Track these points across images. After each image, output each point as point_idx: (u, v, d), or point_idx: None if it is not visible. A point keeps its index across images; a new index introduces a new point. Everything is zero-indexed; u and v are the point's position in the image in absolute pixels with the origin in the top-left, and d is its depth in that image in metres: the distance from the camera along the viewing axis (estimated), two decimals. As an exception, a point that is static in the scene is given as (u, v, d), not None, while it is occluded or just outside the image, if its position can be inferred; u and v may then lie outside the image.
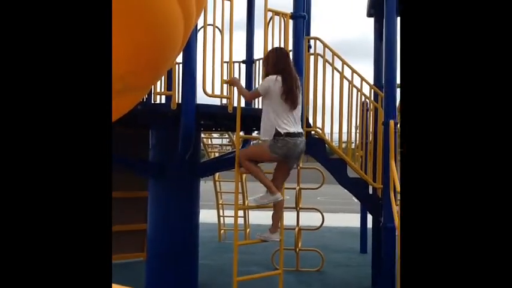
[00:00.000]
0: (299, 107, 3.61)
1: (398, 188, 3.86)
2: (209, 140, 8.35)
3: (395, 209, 3.98)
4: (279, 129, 3.47)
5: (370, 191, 4.87)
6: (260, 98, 3.80)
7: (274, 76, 3.52)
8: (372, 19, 5.76)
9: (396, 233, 3.98)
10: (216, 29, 4.08)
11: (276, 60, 3.59)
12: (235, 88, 3.73)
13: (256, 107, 4.93)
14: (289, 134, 3.48)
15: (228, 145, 8.70)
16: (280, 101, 3.49)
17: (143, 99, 3.79)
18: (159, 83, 4.20)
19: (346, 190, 4.82)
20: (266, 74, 3.67)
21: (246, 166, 3.59)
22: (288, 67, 3.60)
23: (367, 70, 4.80)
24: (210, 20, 3.97)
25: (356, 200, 5.50)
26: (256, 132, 5.47)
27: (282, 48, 3.85)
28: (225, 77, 4.17)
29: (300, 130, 3.61)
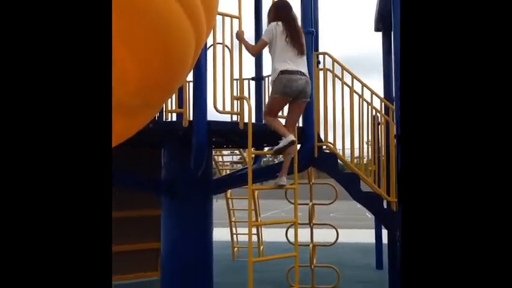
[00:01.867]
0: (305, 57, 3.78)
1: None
2: (220, 157, 8.37)
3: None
4: (278, 69, 3.64)
5: (385, 205, 4.83)
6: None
7: (275, 22, 3.70)
8: (379, 33, 5.78)
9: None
10: (226, 48, 4.12)
11: (277, 10, 3.76)
12: (243, 45, 3.88)
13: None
14: (284, 72, 3.63)
15: (239, 162, 8.70)
16: (286, 45, 3.65)
17: (155, 117, 3.81)
18: (170, 100, 4.23)
19: (359, 206, 4.78)
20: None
21: (268, 122, 3.84)
22: (289, 16, 3.76)
23: (376, 85, 4.83)
24: (219, 38, 4.01)
25: (370, 215, 5.45)
26: (267, 148, 5.48)
27: (284, 0, 3.92)
28: (235, 94, 4.20)
29: (302, 70, 3.72)
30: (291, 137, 3.72)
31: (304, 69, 3.78)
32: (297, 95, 3.76)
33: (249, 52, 3.95)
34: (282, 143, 3.78)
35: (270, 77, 4.48)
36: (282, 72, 3.66)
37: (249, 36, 5.39)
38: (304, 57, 3.81)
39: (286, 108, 4.01)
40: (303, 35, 3.81)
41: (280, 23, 3.70)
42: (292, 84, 3.68)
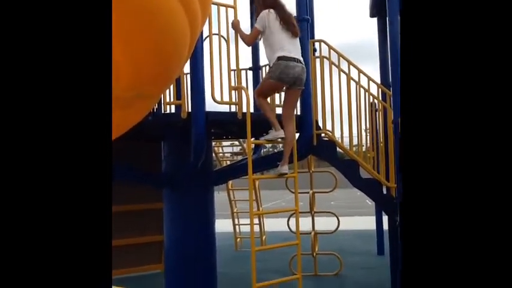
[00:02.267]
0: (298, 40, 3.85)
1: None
2: (220, 148, 8.38)
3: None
4: (275, 56, 3.70)
5: (384, 191, 4.85)
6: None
7: (266, 10, 3.76)
8: (374, 19, 5.77)
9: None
10: (222, 38, 4.12)
11: None
12: (238, 33, 3.91)
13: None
14: (282, 58, 3.70)
15: (239, 153, 8.72)
16: (280, 30, 3.72)
17: (153, 109, 3.81)
18: (168, 92, 4.23)
19: (358, 193, 4.82)
20: (258, 15, 3.89)
21: (259, 102, 3.89)
22: (278, 2, 3.83)
23: (372, 72, 4.82)
24: (214, 29, 4.01)
25: (370, 202, 5.49)
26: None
27: None
28: (232, 84, 4.20)
29: (298, 57, 3.79)
30: (281, 133, 3.79)
31: (299, 54, 3.82)
32: (293, 82, 3.79)
33: (244, 42, 3.97)
34: (270, 136, 3.86)
35: (267, 67, 4.50)
36: (280, 58, 3.70)
37: (245, 26, 5.40)
38: (298, 40, 3.87)
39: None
40: (293, 16, 3.89)
41: (271, 10, 3.75)
42: (289, 71, 3.72)
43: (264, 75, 5.33)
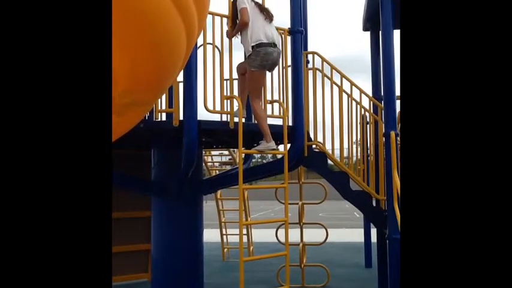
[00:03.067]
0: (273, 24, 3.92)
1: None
2: (209, 158, 8.36)
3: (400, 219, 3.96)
4: (252, 43, 3.74)
5: (374, 204, 4.86)
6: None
7: None
8: (367, 33, 5.82)
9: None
10: (216, 48, 4.12)
11: None
12: (238, 33, 3.91)
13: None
14: (260, 45, 3.74)
15: (228, 163, 8.69)
16: (257, 14, 3.80)
17: (145, 117, 3.79)
18: (160, 100, 4.22)
19: (347, 205, 4.84)
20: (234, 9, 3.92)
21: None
22: None
23: (364, 85, 4.85)
24: (209, 38, 4.01)
25: (358, 215, 5.50)
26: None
27: None
28: (225, 94, 4.20)
29: (275, 41, 3.84)
30: (272, 145, 3.84)
31: (276, 38, 3.89)
32: (270, 67, 3.88)
33: (242, 27, 3.86)
34: (262, 147, 3.87)
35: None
36: (258, 45, 3.75)
37: (237, 42, 5.41)
38: (273, 24, 3.94)
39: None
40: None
41: None
42: (269, 57, 3.78)
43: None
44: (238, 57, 4.97)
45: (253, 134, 4.28)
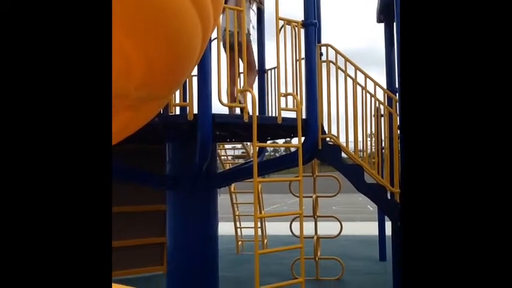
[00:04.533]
0: None
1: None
2: (222, 151, 8.38)
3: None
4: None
5: (388, 197, 4.84)
6: None
7: None
8: (381, 25, 5.77)
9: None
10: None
11: None
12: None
13: (271, 115, 4.95)
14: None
15: (241, 157, 8.72)
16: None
17: (160, 111, 3.81)
18: (174, 94, 4.23)
19: (360, 198, 4.84)
20: None
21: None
22: None
23: (378, 77, 4.82)
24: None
25: (372, 208, 5.48)
26: (270, 141, 5.48)
27: None
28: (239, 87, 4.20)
29: None
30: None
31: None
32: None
33: None
34: None
35: (273, 70, 4.50)
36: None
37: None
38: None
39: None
40: None
41: None
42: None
43: (269, 78, 5.35)
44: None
45: (267, 127, 4.28)
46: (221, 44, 3.89)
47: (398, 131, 4.43)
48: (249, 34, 4.21)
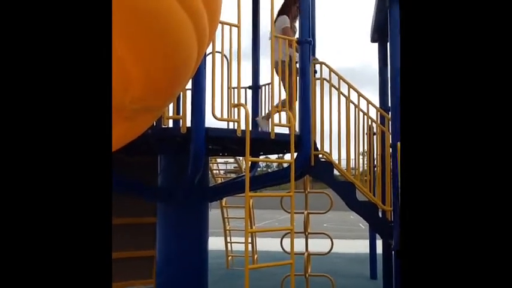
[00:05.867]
0: None
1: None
2: (214, 165, 8.37)
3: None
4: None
5: (380, 215, 4.85)
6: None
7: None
8: (375, 45, 5.84)
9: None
10: (224, 57, 4.16)
11: None
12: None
13: (264, 130, 4.96)
14: None
15: (233, 171, 8.70)
16: None
17: (153, 123, 3.82)
18: (168, 107, 4.24)
19: (352, 216, 4.84)
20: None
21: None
22: None
23: (371, 96, 4.89)
24: (217, 47, 4.05)
25: (363, 226, 5.47)
26: (263, 156, 5.49)
27: None
28: (233, 102, 4.22)
29: None
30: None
31: None
32: None
33: None
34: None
35: (266, 86, 4.53)
36: None
37: (247, 45, 5.46)
38: None
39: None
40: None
41: None
42: None
43: (263, 94, 5.38)
44: (246, 66, 5.02)
45: (260, 142, 4.30)
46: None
47: (391, 150, 4.46)
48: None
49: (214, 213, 9.27)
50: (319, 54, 5.07)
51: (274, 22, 4.30)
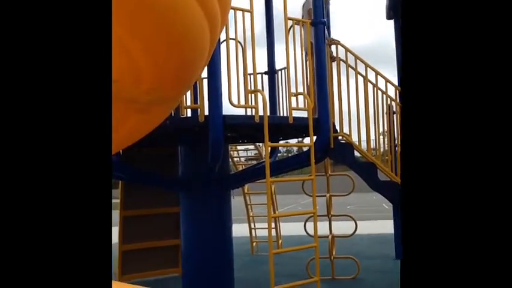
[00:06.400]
0: None
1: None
2: (235, 153, 8.40)
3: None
4: None
5: (403, 194, 4.80)
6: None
7: None
8: (391, 22, 5.74)
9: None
10: (238, 43, 4.14)
11: None
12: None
13: (282, 114, 4.95)
14: None
15: (254, 158, 8.71)
16: None
17: (171, 114, 3.84)
18: (185, 97, 4.26)
19: (375, 197, 4.80)
20: None
21: None
22: None
23: (389, 74, 4.82)
24: (231, 34, 4.03)
25: (386, 206, 5.44)
26: (282, 141, 5.48)
27: None
28: (249, 88, 4.21)
29: None
30: None
31: None
32: None
33: None
34: None
35: (282, 71, 4.50)
36: None
37: (260, 29, 5.42)
38: None
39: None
40: None
41: None
42: None
43: (279, 79, 5.35)
44: (261, 52, 4.99)
45: (279, 127, 4.28)
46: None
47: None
48: None
49: (237, 201, 9.33)
50: (334, 34, 5.01)
51: (303, 5, 4.20)
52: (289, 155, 12.26)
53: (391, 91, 4.89)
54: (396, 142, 5.10)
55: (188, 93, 4.05)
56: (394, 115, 5.03)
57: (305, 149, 4.33)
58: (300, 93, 4.37)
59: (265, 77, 5.47)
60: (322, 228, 5.53)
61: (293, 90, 4.39)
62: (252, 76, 4.23)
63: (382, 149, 5.04)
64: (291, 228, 8.75)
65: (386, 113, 4.97)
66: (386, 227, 8.75)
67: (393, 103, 4.95)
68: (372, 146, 4.81)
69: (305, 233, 5.64)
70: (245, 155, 9.29)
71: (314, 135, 4.07)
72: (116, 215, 4.62)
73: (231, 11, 3.85)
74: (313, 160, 3.92)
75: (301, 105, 4.35)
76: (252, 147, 8.07)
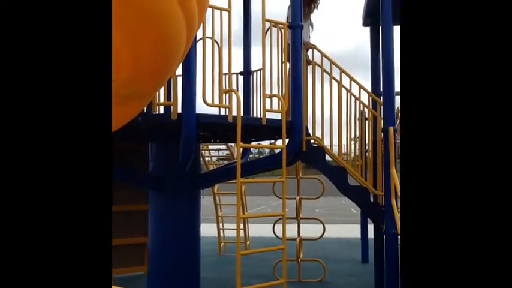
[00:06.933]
0: None
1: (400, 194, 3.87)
2: (206, 152, 8.36)
3: (398, 215, 3.97)
4: None
5: (371, 199, 4.87)
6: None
7: None
8: (367, 29, 5.81)
9: (399, 240, 3.98)
10: (214, 42, 4.11)
11: None
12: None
13: (255, 115, 4.94)
14: None
15: (226, 158, 8.69)
16: None
17: (143, 110, 3.78)
18: (158, 93, 4.21)
19: (344, 202, 4.87)
20: None
21: None
22: None
23: (363, 80, 4.88)
24: (208, 33, 3.99)
25: (354, 211, 5.51)
26: (254, 142, 5.48)
27: None
28: (224, 88, 4.19)
29: None
30: None
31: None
32: None
33: None
34: None
35: (258, 72, 4.51)
36: None
37: (237, 29, 5.40)
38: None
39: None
40: None
41: None
42: None
43: (254, 80, 5.34)
44: (237, 51, 4.97)
45: (252, 128, 4.27)
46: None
47: (382, 134, 4.46)
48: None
49: (206, 200, 9.29)
50: (311, 38, 5.03)
51: (289, 7, 4.32)
52: (261, 156, 12.28)
53: (364, 97, 4.96)
54: (367, 148, 5.17)
55: (161, 90, 4.00)
56: (366, 121, 5.10)
57: (277, 151, 4.34)
58: (275, 95, 4.37)
59: (241, 78, 5.46)
60: (292, 231, 5.56)
61: (268, 92, 4.39)
62: (227, 76, 4.20)
63: (353, 154, 5.09)
64: (259, 230, 8.77)
65: (358, 119, 5.03)
66: (354, 231, 8.86)
67: (365, 109, 5.02)
68: (343, 151, 4.86)
69: (273, 235, 5.65)
70: (217, 154, 9.26)
71: (287, 137, 4.08)
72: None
73: (210, 10, 3.83)
74: (284, 162, 3.93)
75: (275, 107, 4.35)
76: (223, 147, 8.05)
